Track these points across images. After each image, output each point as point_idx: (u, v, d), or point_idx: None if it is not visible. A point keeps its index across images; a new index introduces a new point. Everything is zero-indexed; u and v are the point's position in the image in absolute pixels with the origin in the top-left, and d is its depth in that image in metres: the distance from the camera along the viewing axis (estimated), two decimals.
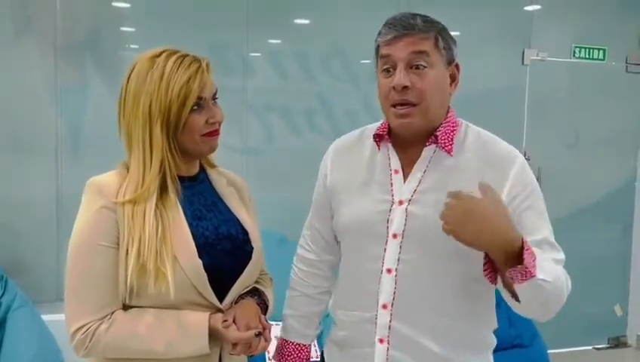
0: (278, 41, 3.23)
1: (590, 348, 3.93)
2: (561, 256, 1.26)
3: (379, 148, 1.35)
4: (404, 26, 1.25)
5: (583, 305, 3.86)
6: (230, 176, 1.42)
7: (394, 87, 1.24)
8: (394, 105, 1.26)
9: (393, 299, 1.28)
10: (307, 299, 1.48)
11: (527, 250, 1.10)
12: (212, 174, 1.37)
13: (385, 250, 1.29)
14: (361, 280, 1.33)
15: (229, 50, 3.08)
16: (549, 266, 1.16)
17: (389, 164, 1.33)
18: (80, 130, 2.91)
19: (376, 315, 1.30)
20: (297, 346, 1.49)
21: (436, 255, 1.26)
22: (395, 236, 1.28)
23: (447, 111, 1.33)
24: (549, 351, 3.43)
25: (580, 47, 3.71)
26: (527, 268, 1.09)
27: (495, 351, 3.14)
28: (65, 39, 2.85)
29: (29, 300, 2.56)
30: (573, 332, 3.79)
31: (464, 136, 1.32)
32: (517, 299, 1.16)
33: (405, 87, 1.24)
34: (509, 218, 1.13)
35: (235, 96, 3.09)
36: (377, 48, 1.31)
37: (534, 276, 1.10)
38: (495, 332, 1.39)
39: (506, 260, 1.11)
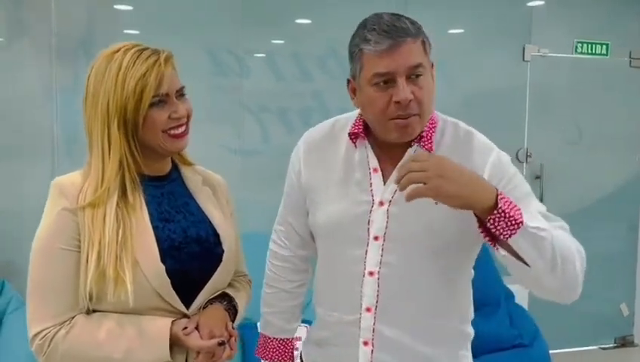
0: (274, 41, 3.21)
1: (596, 347, 3.87)
2: (562, 223, 1.18)
3: (355, 146, 1.30)
4: (398, 34, 1.16)
5: (588, 304, 3.79)
6: (207, 175, 1.37)
7: (398, 102, 1.16)
8: (399, 118, 1.19)
9: (377, 301, 1.26)
10: (285, 295, 1.46)
11: (502, 198, 1.05)
12: (186, 172, 1.32)
13: (366, 252, 1.26)
14: (341, 282, 1.31)
15: (224, 50, 3.06)
16: (541, 221, 1.10)
17: (368, 162, 1.29)
18: (76, 133, 2.90)
19: (359, 318, 1.27)
20: (281, 341, 1.49)
21: (419, 255, 1.24)
22: (376, 238, 1.25)
23: None
24: (554, 351, 3.38)
25: (583, 43, 3.65)
26: (510, 215, 1.03)
27: (496, 351, 3.09)
28: (60, 42, 2.85)
29: (25, 303, 2.56)
30: (579, 332, 3.75)
31: (442, 132, 1.29)
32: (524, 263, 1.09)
33: (410, 101, 1.17)
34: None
35: (231, 96, 3.09)
36: (360, 54, 1.20)
37: (522, 222, 1.04)
38: (473, 322, 1.38)
39: (490, 213, 1.05)
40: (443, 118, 1.32)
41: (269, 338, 1.49)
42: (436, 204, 1.19)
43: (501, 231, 1.05)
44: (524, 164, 3.58)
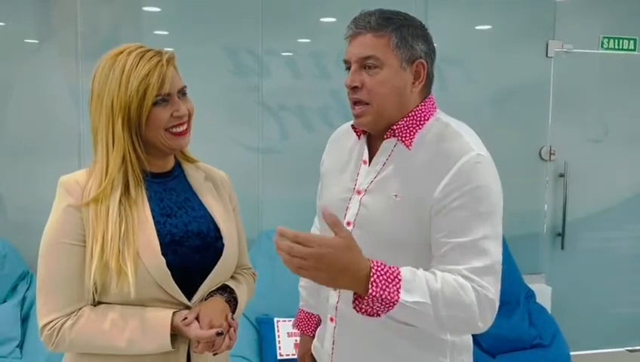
0: (292, 40, 3.23)
1: (623, 349, 3.79)
2: (485, 261, 1.18)
3: (359, 139, 1.39)
4: (357, 25, 1.28)
5: (614, 305, 3.74)
6: (210, 171, 1.42)
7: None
8: (354, 103, 1.30)
9: None
10: None
11: (373, 282, 1.09)
12: (188, 169, 1.37)
13: None
14: None
15: (244, 49, 3.10)
16: (433, 286, 1.13)
17: (362, 154, 1.37)
18: None
19: (328, 295, 1.38)
20: (307, 314, 1.63)
21: (379, 245, 1.27)
22: (348, 223, 1.33)
23: (418, 106, 1.30)
24: (579, 353, 3.33)
25: (609, 38, 3.57)
26: (383, 297, 1.08)
27: (514, 350, 3.05)
28: (86, 43, 2.93)
29: None
30: (606, 333, 3.67)
31: (429, 129, 1.29)
32: None
33: (355, 87, 1.27)
34: (358, 252, 1.12)
35: (251, 95, 3.13)
36: None
37: (397, 300, 1.09)
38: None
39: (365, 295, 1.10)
40: (438, 117, 1.32)
41: (300, 309, 1.64)
42: (396, 196, 1.25)
43: (377, 311, 1.12)
44: (547, 162, 3.53)
